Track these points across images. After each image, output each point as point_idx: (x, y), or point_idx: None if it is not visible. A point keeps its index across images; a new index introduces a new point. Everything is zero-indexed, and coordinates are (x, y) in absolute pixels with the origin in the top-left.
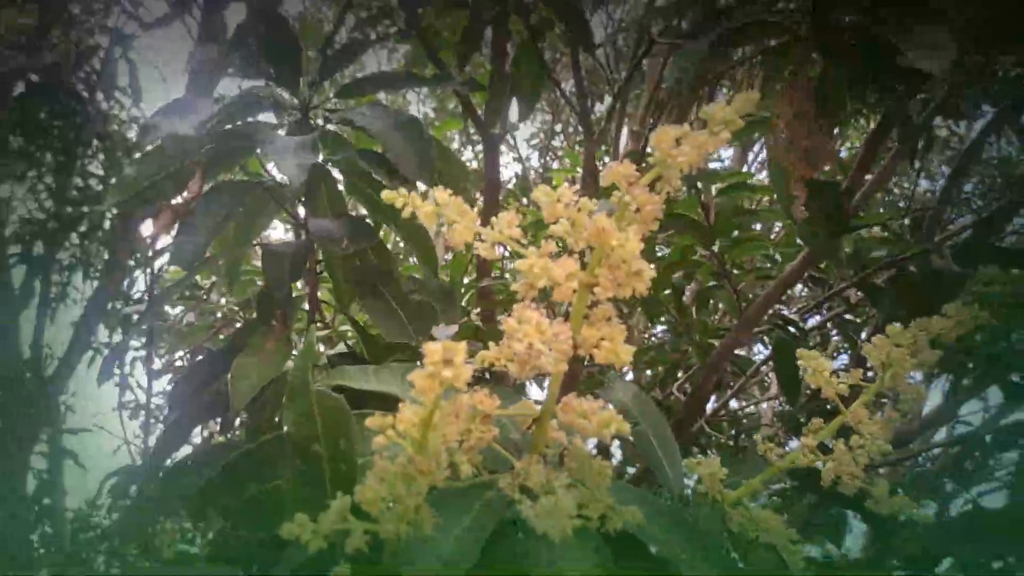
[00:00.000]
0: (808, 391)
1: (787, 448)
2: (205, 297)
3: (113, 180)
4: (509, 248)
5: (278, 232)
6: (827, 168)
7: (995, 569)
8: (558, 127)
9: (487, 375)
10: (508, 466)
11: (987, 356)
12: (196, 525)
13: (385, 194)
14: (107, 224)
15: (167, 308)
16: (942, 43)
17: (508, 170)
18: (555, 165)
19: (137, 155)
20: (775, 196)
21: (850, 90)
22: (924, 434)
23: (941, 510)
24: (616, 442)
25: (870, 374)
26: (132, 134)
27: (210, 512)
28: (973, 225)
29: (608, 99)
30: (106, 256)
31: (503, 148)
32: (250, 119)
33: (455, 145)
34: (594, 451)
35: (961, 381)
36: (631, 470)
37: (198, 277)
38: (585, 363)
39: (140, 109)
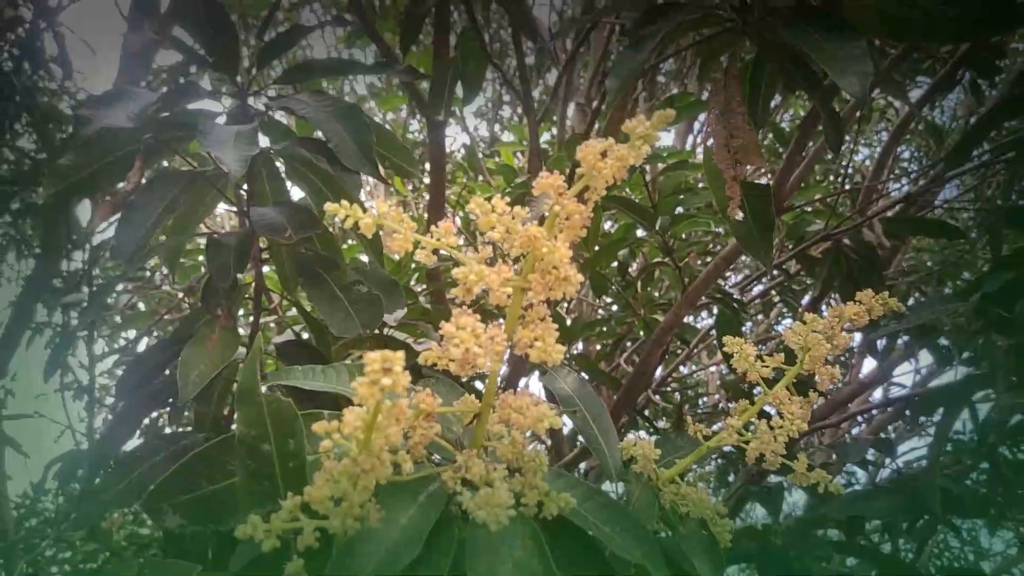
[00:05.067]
0: None
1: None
2: (149, 278)
3: (48, 165)
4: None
5: (219, 209)
6: (758, 166)
7: (917, 527)
8: (506, 97)
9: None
10: (451, 457)
11: (918, 326)
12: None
13: (327, 207)
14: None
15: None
16: (859, 60)
17: (456, 142)
18: (503, 135)
19: (75, 144)
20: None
21: (780, 82)
22: (862, 395)
23: (873, 473)
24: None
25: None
26: (63, 106)
27: (165, 509)
28: (903, 199)
29: (554, 72)
30: (41, 235)
31: (450, 121)
32: (189, 106)
33: (403, 115)
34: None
35: (894, 345)
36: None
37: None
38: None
39: (73, 82)
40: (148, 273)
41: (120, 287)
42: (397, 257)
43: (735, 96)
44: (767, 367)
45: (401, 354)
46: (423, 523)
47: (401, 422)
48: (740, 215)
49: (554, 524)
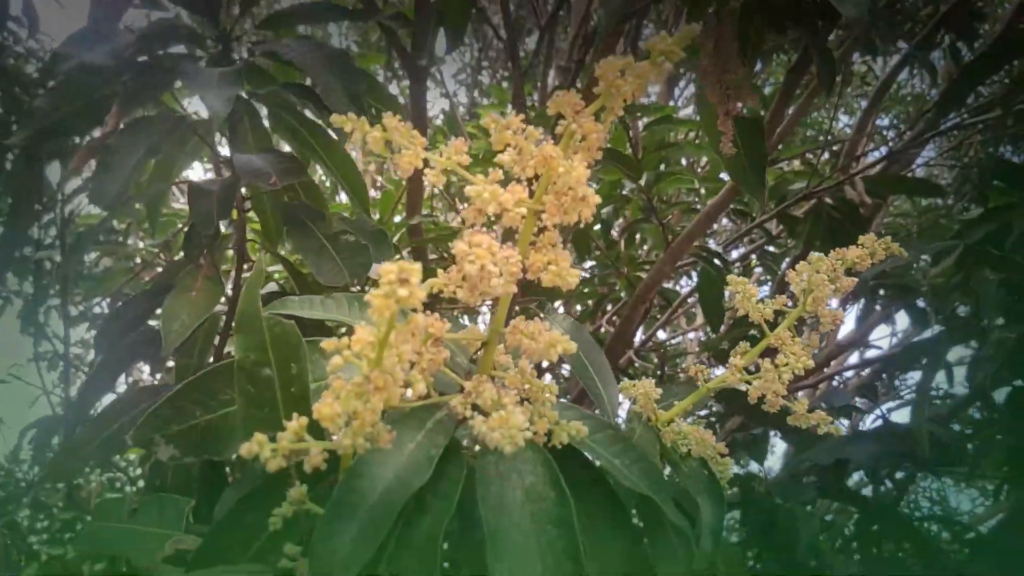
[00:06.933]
0: (729, 321)
1: (713, 374)
2: (121, 240)
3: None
4: (457, 175)
5: (196, 172)
6: (751, 105)
7: (899, 477)
8: (485, 63)
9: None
10: (456, 389)
11: (895, 284)
12: (122, 469)
13: (334, 118)
14: (9, 166)
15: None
16: None
17: (435, 107)
18: (483, 101)
19: (50, 82)
20: (698, 131)
21: (771, 23)
22: (839, 357)
23: (853, 425)
24: (548, 376)
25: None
26: (31, 68)
27: (156, 440)
28: (884, 157)
29: (535, 34)
30: (10, 200)
31: (430, 84)
32: (166, 51)
33: (379, 76)
34: None
35: (872, 307)
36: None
37: (114, 221)
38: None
39: (38, 40)
40: (119, 234)
41: (93, 251)
42: (378, 216)
43: (727, 32)
44: (769, 308)
45: (418, 266)
46: (432, 449)
47: (416, 337)
48: (732, 150)
49: (562, 454)
